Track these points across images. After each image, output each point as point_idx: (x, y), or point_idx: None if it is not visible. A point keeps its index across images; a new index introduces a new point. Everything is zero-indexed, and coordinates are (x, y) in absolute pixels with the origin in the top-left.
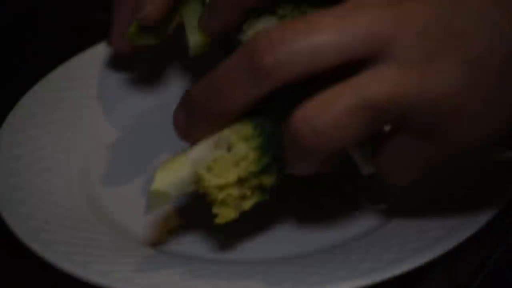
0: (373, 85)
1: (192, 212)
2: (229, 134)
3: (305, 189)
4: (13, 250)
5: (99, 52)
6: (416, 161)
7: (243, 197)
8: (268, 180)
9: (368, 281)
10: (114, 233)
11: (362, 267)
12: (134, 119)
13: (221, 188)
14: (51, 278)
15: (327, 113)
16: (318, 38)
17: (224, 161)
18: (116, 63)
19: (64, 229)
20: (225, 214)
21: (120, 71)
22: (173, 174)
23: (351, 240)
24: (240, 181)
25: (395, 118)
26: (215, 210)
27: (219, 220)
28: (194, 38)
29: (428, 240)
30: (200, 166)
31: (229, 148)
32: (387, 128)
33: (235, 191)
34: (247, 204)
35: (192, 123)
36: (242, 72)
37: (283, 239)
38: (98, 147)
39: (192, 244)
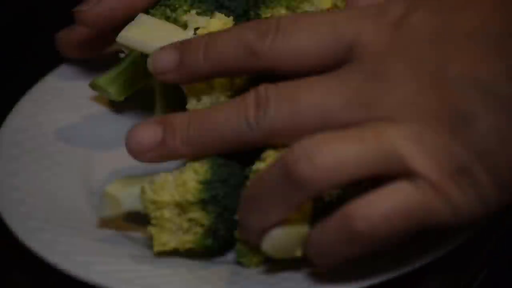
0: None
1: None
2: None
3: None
4: (13, 250)
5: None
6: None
7: (179, 228)
8: (204, 219)
9: (368, 281)
10: (114, 233)
11: (362, 267)
12: (135, 118)
13: (154, 203)
14: (51, 278)
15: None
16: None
17: (167, 182)
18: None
19: (64, 229)
20: (160, 238)
21: None
22: (129, 185)
23: None
24: (176, 207)
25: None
26: (151, 230)
27: (156, 248)
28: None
29: (428, 240)
30: (147, 181)
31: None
32: None
33: (167, 213)
34: (186, 239)
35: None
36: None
37: None
38: (99, 147)
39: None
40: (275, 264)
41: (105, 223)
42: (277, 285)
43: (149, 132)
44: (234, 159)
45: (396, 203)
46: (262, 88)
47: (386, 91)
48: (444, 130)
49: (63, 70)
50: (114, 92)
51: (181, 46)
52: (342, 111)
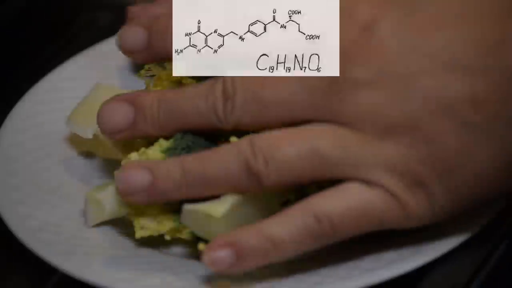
0: None
1: None
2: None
3: (304, 189)
4: (13, 250)
5: (99, 52)
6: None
7: (158, 210)
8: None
9: (368, 281)
10: (114, 233)
11: (362, 267)
12: None
13: None
14: (51, 278)
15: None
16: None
17: (132, 160)
18: (115, 63)
19: (64, 229)
20: (139, 223)
21: (120, 71)
22: (112, 190)
23: (351, 240)
24: None
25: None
26: (129, 216)
27: (138, 234)
28: None
29: (428, 240)
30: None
31: None
32: None
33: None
34: (165, 218)
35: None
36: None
37: None
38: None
39: (191, 244)
40: (275, 265)
41: (105, 222)
42: (277, 285)
43: (120, 113)
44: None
45: (352, 203)
46: (228, 80)
47: (350, 96)
48: (404, 143)
49: (63, 70)
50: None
51: (148, 23)
52: (309, 110)
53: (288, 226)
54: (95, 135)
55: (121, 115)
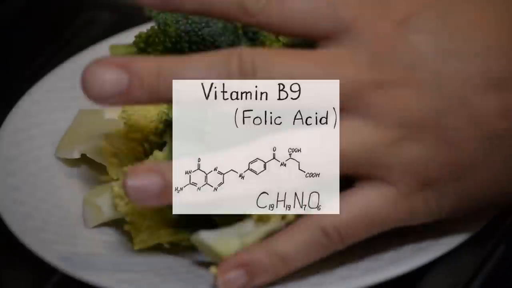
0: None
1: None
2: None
3: None
4: (13, 250)
5: (99, 52)
6: None
7: (155, 222)
8: (172, 216)
9: (368, 281)
10: (114, 233)
11: (362, 267)
12: None
13: (123, 199)
14: (51, 278)
15: None
16: None
17: None
18: None
19: (64, 229)
20: (138, 236)
21: None
22: (107, 192)
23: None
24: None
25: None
26: (128, 228)
27: (137, 246)
28: None
29: (428, 240)
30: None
31: None
32: None
33: (137, 207)
34: (164, 233)
35: None
36: None
37: None
38: None
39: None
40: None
41: (105, 223)
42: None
43: (112, 76)
44: None
45: (358, 211)
46: (246, 53)
47: (380, 86)
48: (428, 144)
49: (63, 70)
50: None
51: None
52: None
53: (296, 243)
54: (82, 155)
55: (113, 79)
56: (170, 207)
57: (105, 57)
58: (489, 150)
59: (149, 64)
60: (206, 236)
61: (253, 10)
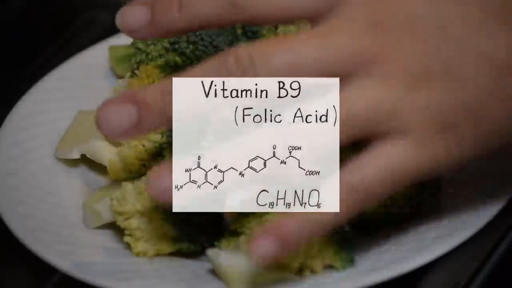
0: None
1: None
2: None
3: None
4: (13, 250)
5: (99, 52)
6: None
7: (153, 235)
8: (169, 225)
9: (368, 281)
10: (114, 233)
11: (362, 267)
12: None
13: (121, 214)
14: (51, 278)
15: None
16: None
17: (128, 191)
18: None
19: (64, 229)
20: (137, 247)
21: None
22: (104, 196)
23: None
24: (143, 215)
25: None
26: (127, 240)
27: (137, 253)
28: None
29: (428, 240)
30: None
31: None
32: None
33: (134, 223)
34: (163, 246)
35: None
36: None
37: None
38: None
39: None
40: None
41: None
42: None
43: (124, 115)
44: None
45: (384, 165)
46: (242, 49)
47: (383, 43)
48: (437, 88)
49: (63, 70)
50: None
51: (151, 1)
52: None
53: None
54: (82, 155)
55: (124, 116)
56: (169, 221)
57: (108, 98)
58: (501, 86)
59: (151, 89)
60: (224, 258)
61: (242, 3)
